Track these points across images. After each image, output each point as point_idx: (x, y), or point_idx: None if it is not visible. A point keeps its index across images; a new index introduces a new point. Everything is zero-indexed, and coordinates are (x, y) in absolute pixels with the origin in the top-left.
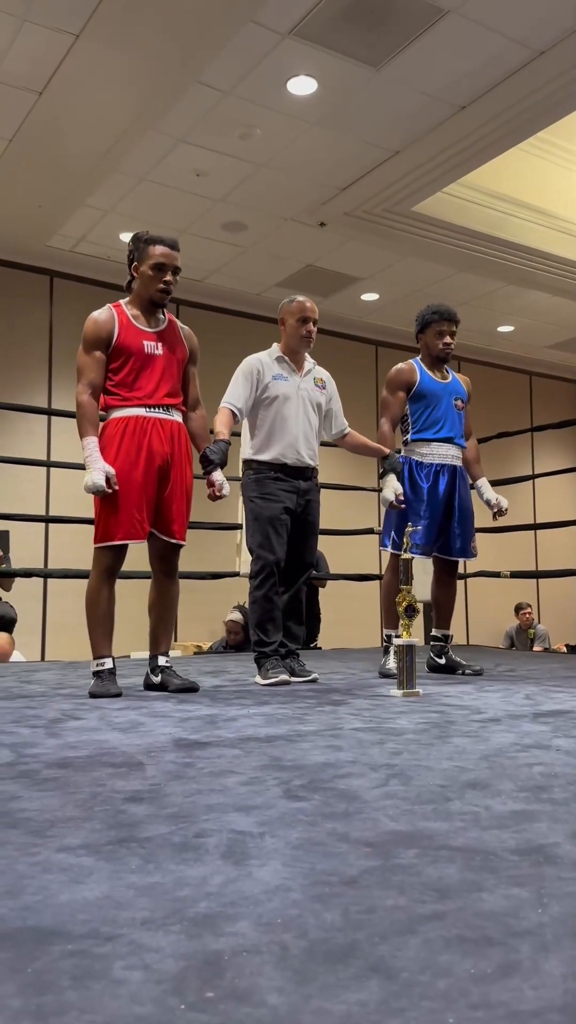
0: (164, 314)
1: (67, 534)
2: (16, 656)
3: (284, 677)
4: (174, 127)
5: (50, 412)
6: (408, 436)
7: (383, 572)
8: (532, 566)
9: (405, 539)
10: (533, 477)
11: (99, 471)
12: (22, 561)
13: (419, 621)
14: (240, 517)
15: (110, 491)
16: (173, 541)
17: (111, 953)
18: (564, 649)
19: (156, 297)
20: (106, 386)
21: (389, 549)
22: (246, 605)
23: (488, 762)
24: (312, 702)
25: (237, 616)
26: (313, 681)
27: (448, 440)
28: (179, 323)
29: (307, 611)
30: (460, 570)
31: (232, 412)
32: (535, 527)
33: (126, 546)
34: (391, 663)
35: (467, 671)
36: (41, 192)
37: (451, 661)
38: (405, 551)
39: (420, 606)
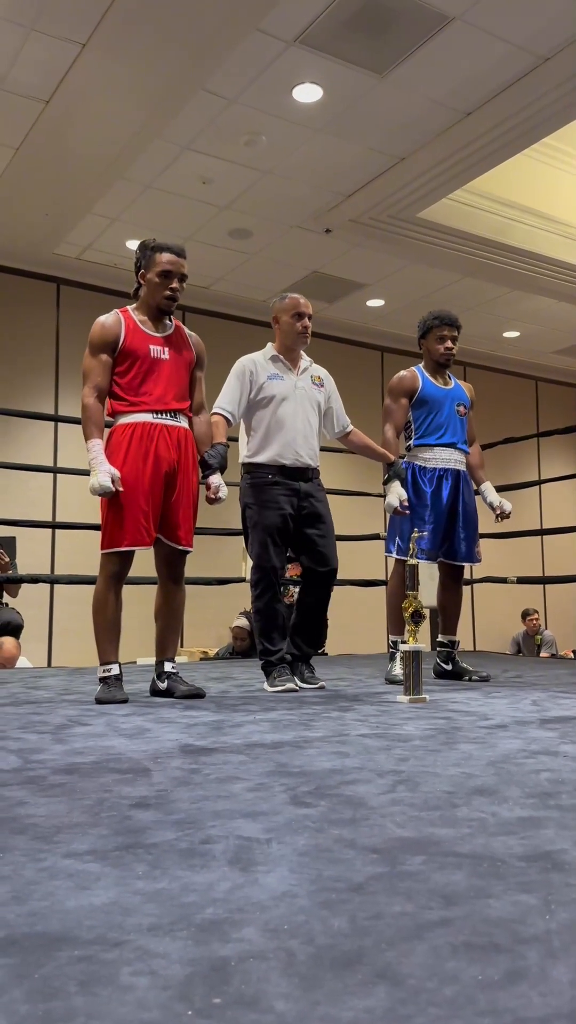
0: (171, 320)
1: (73, 540)
2: (22, 662)
3: (291, 685)
4: (180, 135)
5: (57, 419)
6: (411, 442)
7: (388, 578)
8: (539, 572)
9: (411, 544)
10: (539, 483)
11: (105, 473)
12: (29, 567)
13: (425, 627)
14: None
15: (116, 491)
16: (180, 547)
17: (118, 959)
18: (571, 655)
19: (163, 304)
20: (112, 390)
21: (394, 555)
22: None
23: (495, 768)
24: (319, 708)
25: (243, 622)
26: (320, 689)
27: (451, 445)
28: (186, 329)
29: None
30: (466, 576)
31: (224, 417)
32: (541, 533)
33: (133, 552)
34: (397, 669)
35: (474, 677)
36: (48, 200)
37: (458, 667)
38: (411, 556)
39: (426, 612)
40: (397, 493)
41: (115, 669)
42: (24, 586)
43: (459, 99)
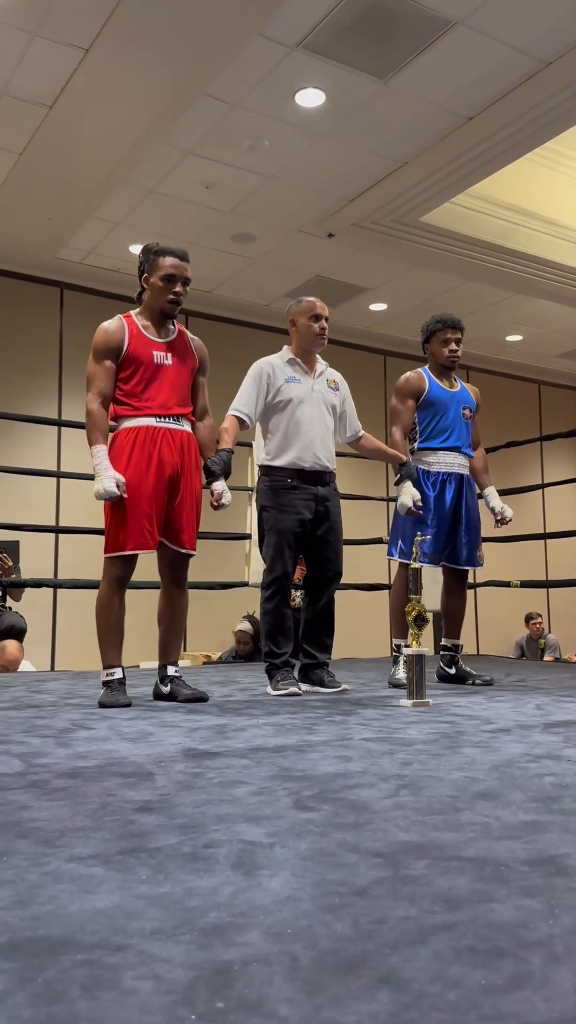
0: (174, 325)
1: (77, 544)
2: (26, 665)
3: (294, 689)
4: (183, 140)
5: (60, 423)
6: (415, 444)
7: (391, 582)
8: (542, 576)
9: (414, 548)
10: (543, 486)
11: (109, 478)
12: (32, 571)
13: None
14: (249, 527)
15: (120, 496)
16: (183, 551)
17: (121, 963)
18: (575, 659)
19: (166, 308)
20: (116, 396)
21: (396, 558)
22: (255, 615)
23: (498, 773)
24: (322, 712)
25: (246, 626)
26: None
27: (455, 449)
28: (189, 333)
29: None
30: (470, 580)
31: (239, 419)
32: (545, 536)
33: (136, 556)
34: (400, 673)
35: (477, 681)
36: (51, 205)
37: (461, 671)
38: (414, 560)
39: (430, 616)
40: (410, 493)
41: (118, 673)
42: (27, 590)
43: (462, 103)
